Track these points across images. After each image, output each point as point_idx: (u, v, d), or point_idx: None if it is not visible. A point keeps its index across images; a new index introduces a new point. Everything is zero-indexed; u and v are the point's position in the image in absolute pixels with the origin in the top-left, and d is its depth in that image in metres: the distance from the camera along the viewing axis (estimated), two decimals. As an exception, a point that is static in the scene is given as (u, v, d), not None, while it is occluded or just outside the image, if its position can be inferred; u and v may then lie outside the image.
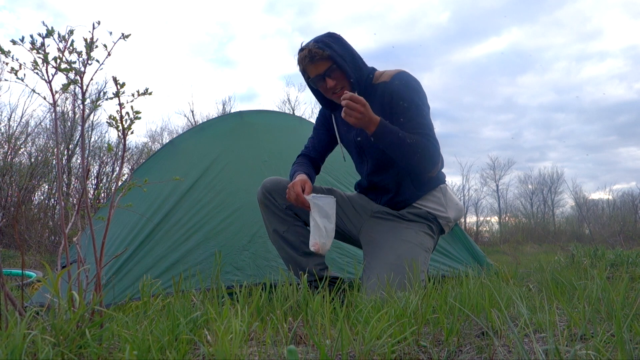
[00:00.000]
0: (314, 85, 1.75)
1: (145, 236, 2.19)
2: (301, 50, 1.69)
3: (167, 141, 3.44)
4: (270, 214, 1.79)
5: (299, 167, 1.83)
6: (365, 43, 24.56)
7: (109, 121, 1.12)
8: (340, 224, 1.83)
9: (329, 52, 1.64)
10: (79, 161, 10.79)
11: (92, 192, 10.74)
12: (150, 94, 1.13)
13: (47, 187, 9.82)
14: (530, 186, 22.34)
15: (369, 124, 1.55)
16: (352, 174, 2.57)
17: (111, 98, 1.10)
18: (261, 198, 1.81)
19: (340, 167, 2.78)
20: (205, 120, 3.94)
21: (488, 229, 19.66)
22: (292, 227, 1.77)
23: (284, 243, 1.76)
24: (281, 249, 1.78)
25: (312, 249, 1.58)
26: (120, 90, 1.09)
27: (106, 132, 12.30)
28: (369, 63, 1.79)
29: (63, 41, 1.02)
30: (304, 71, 1.73)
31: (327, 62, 1.66)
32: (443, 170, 1.87)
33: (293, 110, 18.40)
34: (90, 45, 1.04)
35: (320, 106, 1.95)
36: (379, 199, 1.84)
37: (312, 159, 1.93)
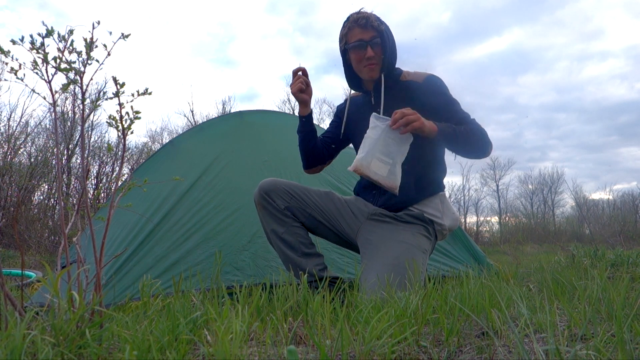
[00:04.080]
0: (348, 49, 1.79)
1: (145, 236, 2.19)
2: (358, 12, 1.77)
3: (167, 141, 3.43)
4: (268, 215, 1.79)
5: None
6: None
7: (109, 121, 1.12)
8: (337, 227, 1.84)
9: (383, 27, 1.75)
10: (78, 161, 10.80)
11: (92, 192, 10.74)
12: (150, 94, 1.13)
13: (46, 187, 9.84)
14: (530, 186, 22.41)
15: (431, 126, 1.61)
16: (353, 174, 2.57)
17: (111, 98, 1.10)
18: (258, 199, 1.80)
19: (341, 167, 2.78)
20: (205, 120, 3.94)
21: (488, 229, 19.71)
22: (290, 228, 1.77)
23: (282, 244, 1.76)
24: (280, 251, 1.78)
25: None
26: (120, 90, 1.09)
27: (106, 132, 12.34)
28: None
29: (63, 41, 1.02)
30: (344, 35, 1.80)
31: (375, 33, 1.74)
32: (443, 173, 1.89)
33: (293, 110, 18.41)
34: (90, 45, 1.04)
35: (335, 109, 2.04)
36: (376, 200, 1.84)
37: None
